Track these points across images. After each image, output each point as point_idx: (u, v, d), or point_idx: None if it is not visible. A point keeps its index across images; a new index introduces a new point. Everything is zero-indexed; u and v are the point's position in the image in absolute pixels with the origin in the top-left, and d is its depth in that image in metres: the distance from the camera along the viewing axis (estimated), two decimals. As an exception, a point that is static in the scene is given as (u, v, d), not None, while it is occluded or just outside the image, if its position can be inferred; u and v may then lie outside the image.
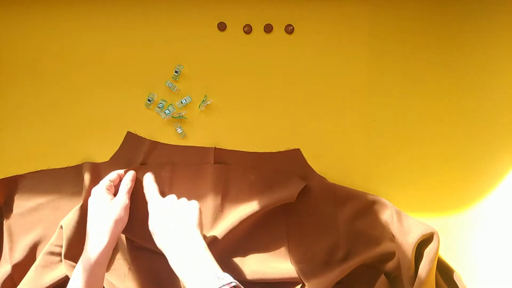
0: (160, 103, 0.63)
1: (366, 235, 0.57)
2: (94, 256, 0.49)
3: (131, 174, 0.58)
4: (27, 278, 0.55)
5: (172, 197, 0.54)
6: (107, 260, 0.51)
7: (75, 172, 0.62)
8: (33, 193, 0.61)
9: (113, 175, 0.58)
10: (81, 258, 0.50)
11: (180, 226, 0.49)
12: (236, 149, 0.62)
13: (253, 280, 0.55)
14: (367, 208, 0.58)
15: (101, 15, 0.65)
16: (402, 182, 0.61)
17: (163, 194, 0.59)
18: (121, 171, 0.59)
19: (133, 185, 0.58)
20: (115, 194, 0.56)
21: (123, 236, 0.59)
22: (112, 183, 0.57)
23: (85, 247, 0.51)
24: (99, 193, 0.54)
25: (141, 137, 0.63)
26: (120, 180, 0.58)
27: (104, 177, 0.58)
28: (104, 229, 0.51)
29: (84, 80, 0.64)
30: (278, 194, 0.58)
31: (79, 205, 0.58)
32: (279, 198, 0.57)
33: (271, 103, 0.63)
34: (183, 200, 0.54)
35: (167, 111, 0.63)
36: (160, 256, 0.57)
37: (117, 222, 0.52)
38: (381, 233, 0.57)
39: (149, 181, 0.57)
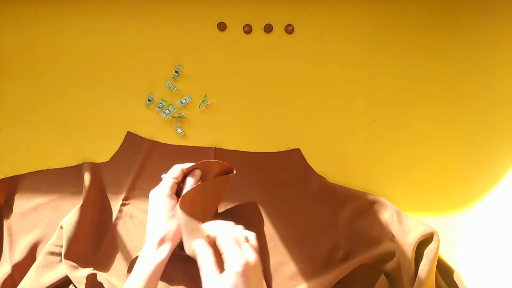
0: (160, 103, 0.63)
1: (366, 235, 0.57)
2: (151, 267, 0.45)
3: None
4: (27, 278, 0.55)
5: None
6: (162, 270, 0.47)
7: (75, 172, 0.62)
8: (33, 193, 0.61)
9: (176, 171, 0.50)
10: (135, 266, 0.46)
11: None
12: (236, 149, 0.62)
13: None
14: (367, 208, 0.58)
15: (101, 15, 0.65)
16: (402, 182, 0.61)
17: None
18: (186, 165, 0.51)
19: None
20: (177, 193, 0.51)
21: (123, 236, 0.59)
22: (175, 181, 0.50)
23: (142, 254, 0.47)
24: (162, 197, 0.48)
25: (141, 137, 0.63)
26: (184, 176, 0.51)
27: (104, 177, 0.57)
28: (164, 241, 0.47)
29: (84, 80, 0.64)
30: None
31: (79, 205, 0.58)
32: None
33: (271, 103, 0.63)
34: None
35: (167, 111, 0.63)
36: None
37: (176, 233, 0.47)
38: (381, 233, 0.57)
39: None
